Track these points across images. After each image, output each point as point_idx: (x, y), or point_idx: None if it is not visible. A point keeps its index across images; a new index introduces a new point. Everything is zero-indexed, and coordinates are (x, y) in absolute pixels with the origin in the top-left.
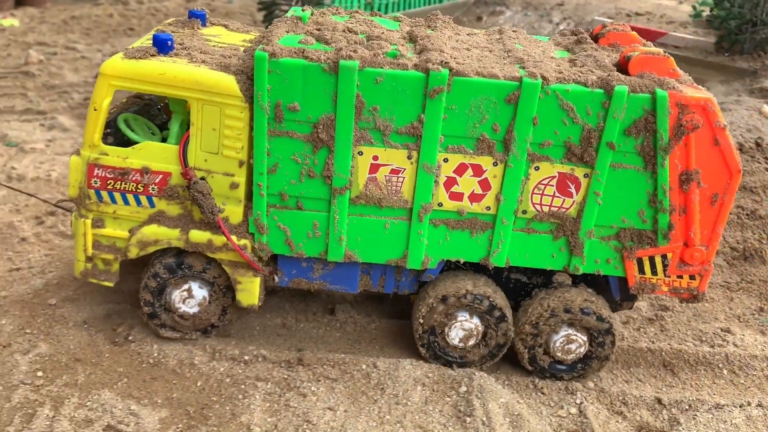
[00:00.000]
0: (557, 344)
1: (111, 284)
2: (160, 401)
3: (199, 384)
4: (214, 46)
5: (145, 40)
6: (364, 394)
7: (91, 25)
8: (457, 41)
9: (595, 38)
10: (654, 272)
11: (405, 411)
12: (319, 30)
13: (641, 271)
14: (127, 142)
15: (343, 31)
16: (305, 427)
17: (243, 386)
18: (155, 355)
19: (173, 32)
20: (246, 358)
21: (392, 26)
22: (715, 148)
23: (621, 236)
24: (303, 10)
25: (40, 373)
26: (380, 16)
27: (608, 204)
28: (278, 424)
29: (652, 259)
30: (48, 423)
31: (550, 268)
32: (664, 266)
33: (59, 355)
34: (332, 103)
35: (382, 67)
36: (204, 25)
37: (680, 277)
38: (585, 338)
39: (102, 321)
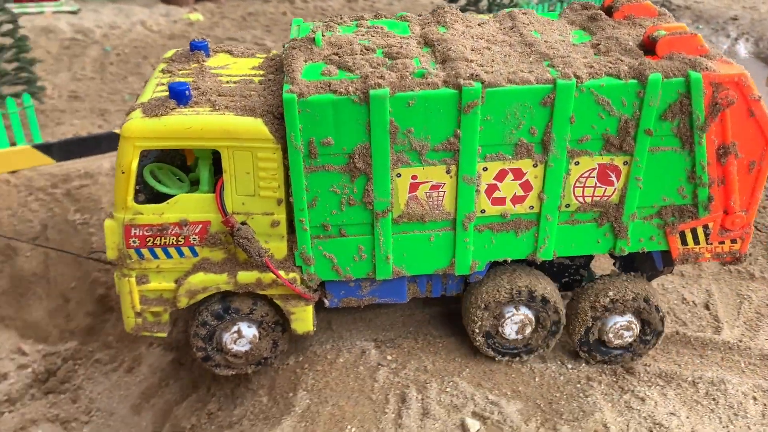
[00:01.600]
0: (612, 330)
1: (164, 335)
2: (509, 393)
3: (536, 380)
4: (227, 82)
5: (155, 86)
6: (698, 403)
7: (268, 21)
8: (473, 38)
9: (608, 11)
10: (696, 242)
11: (747, 423)
12: (338, 55)
13: (684, 242)
14: (156, 192)
15: (362, 51)
16: (657, 429)
17: (579, 385)
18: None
19: (180, 69)
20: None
21: (403, 30)
22: (750, 119)
23: (663, 214)
24: (313, 30)
25: (389, 357)
26: (385, 18)
27: (649, 186)
28: (629, 424)
29: (694, 231)
30: (419, 405)
31: (595, 253)
32: (706, 235)
33: (399, 340)
34: (366, 132)
35: (412, 90)
36: (208, 55)
37: (722, 242)
38: (639, 325)
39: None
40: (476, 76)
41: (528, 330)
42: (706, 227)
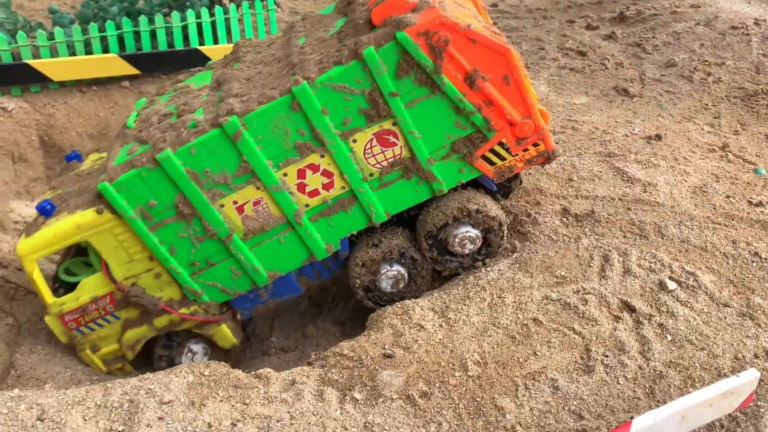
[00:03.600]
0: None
1: None
2: (703, 268)
3: (730, 262)
4: (85, 180)
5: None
6: None
7: None
8: (255, 65)
9: None
10: (502, 159)
11: None
12: (140, 131)
13: (491, 163)
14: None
15: (160, 120)
16: None
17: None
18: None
19: (61, 183)
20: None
21: (205, 79)
22: (475, 45)
23: (456, 148)
24: (135, 110)
25: (598, 228)
26: (200, 70)
27: (427, 133)
28: None
29: (493, 150)
30: (621, 265)
31: (422, 200)
32: (507, 150)
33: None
34: (174, 186)
35: (189, 141)
36: (81, 160)
37: (526, 150)
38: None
39: None
40: (231, 110)
41: (401, 284)
42: (502, 144)
